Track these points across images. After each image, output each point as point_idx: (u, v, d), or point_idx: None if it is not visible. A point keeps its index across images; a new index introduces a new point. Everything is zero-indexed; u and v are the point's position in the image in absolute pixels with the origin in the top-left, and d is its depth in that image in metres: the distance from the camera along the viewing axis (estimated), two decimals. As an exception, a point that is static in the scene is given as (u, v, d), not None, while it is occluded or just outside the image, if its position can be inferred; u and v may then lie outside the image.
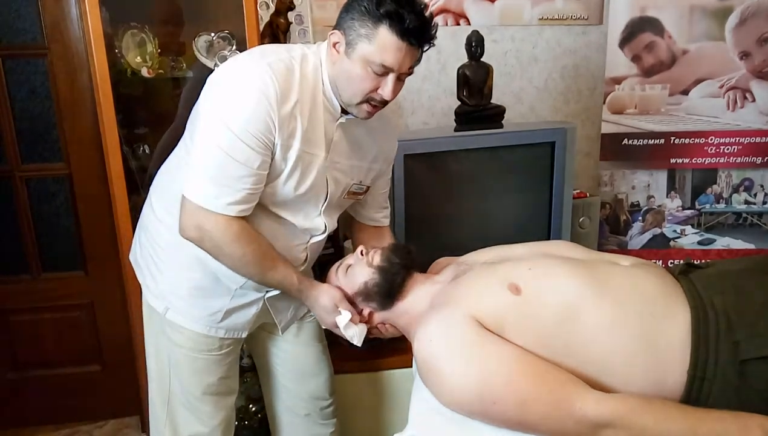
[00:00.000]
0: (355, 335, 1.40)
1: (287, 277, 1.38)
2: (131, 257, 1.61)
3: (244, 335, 1.53)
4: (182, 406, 1.54)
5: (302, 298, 1.43)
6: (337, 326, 1.40)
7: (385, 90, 1.26)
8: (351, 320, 1.38)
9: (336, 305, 1.39)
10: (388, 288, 1.36)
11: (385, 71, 1.24)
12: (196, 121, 1.34)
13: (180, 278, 1.44)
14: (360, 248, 1.45)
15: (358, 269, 1.40)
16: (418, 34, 1.22)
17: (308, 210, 1.41)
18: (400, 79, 1.28)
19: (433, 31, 1.26)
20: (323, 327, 1.50)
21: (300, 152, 1.31)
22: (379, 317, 1.41)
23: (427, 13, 1.24)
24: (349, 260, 1.45)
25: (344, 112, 1.36)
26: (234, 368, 1.58)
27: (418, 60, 1.28)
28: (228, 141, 1.24)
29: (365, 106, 1.31)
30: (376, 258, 1.39)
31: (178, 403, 1.54)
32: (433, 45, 1.28)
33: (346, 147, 1.40)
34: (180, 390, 1.53)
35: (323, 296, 1.40)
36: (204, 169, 1.28)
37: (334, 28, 1.27)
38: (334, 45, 1.28)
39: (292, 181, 1.33)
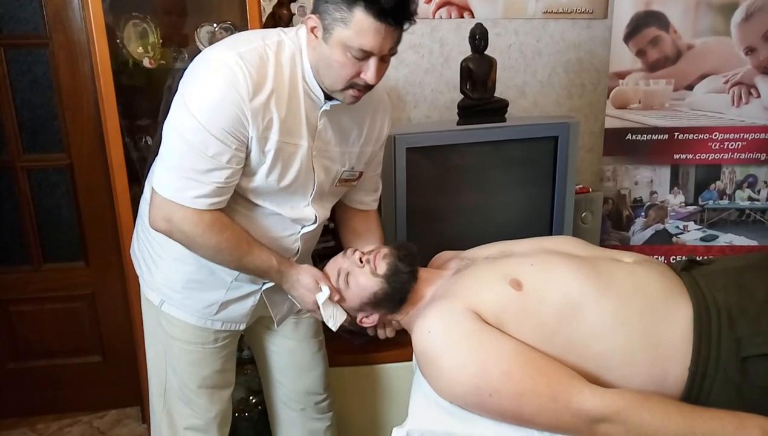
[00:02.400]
0: (332, 316, 1.37)
1: (265, 260, 1.35)
2: (131, 251, 1.61)
3: (241, 327, 1.52)
4: (178, 398, 1.54)
5: (282, 281, 1.39)
6: (317, 305, 1.37)
7: (368, 74, 1.20)
8: (330, 297, 1.36)
9: (317, 282, 1.36)
10: (400, 297, 1.34)
11: (366, 55, 1.18)
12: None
13: (174, 271, 1.43)
14: (357, 255, 1.37)
15: (363, 280, 1.33)
16: (396, 13, 1.14)
17: (295, 201, 1.38)
18: (383, 61, 1.21)
19: (414, 7, 1.17)
20: (304, 309, 1.46)
21: (279, 144, 1.27)
22: (384, 318, 1.39)
23: None
24: (343, 263, 1.38)
25: (328, 97, 1.30)
26: (230, 361, 1.58)
27: (399, 39, 1.21)
28: (196, 134, 1.21)
29: (350, 92, 1.25)
30: (381, 266, 1.33)
31: (174, 395, 1.54)
32: (414, 22, 1.20)
33: (332, 134, 1.36)
34: (176, 383, 1.53)
35: (304, 275, 1.38)
36: (170, 161, 1.25)
37: (312, 12, 1.21)
38: (312, 30, 1.22)
39: (274, 173, 1.30)
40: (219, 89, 1.19)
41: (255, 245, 1.35)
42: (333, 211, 1.53)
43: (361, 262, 1.35)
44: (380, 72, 1.22)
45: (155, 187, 1.28)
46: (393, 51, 1.22)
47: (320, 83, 1.27)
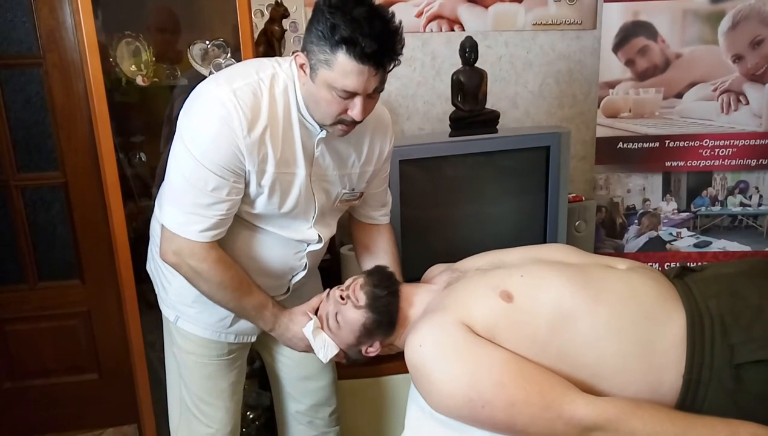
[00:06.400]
0: (323, 347, 1.37)
1: (262, 302, 1.39)
2: (147, 268, 1.63)
3: (253, 339, 1.55)
4: (192, 415, 1.56)
5: (276, 324, 1.41)
6: (309, 342, 1.38)
7: (355, 112, 1.22)
8: (321, 327, 1.37)
9: (307, 314, 1.39)
10: (388, 320, 1.34)
11: (350, 95, 1.20)
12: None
13: (186, 287, 1.43)
14: (337, 293, 1.36)
15: (350, 314, 1.34)
16: (378, 56, 1.15)
17: (297, 224, 1.41)
18: (370, 97, 1.23)
19: (399, 47, 1.19)
20: (298, 351, 1.46)
21: (275, 176, 1.30)
22: (384, 343, 1.39)
23: (392, 27, 1.16)
24: (327, 306, 1.38)
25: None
26: (242, 373, 1.61)
27: (384, 79, 1.22)
28: (194, 171, 1.24)
29: (339, 127, 1.27)
30: (361, 297, 1.33)
31: (189, 410, 1.56)
32: (399, 63, 1.22)
33: (330, 159, 1.38)
34: (189, 397, 1.55)
35: (296, 317, 1.41)
36: (173, 197, 1.29)
37: (300, 49, 1.23)
38: (301, 66, 1.24)
39: (273, 201, 1.33)
40: (213, 127, 1.22)
41: (254, 287, 1.38)
42: (347, 227, 1.54)
43: (342, 299, 1.35)
44: (367, 108, 1.24)
45: (163, 220, 1.31)
46: (379, 89, 1.23)
47: (311, 115, 1.30)
